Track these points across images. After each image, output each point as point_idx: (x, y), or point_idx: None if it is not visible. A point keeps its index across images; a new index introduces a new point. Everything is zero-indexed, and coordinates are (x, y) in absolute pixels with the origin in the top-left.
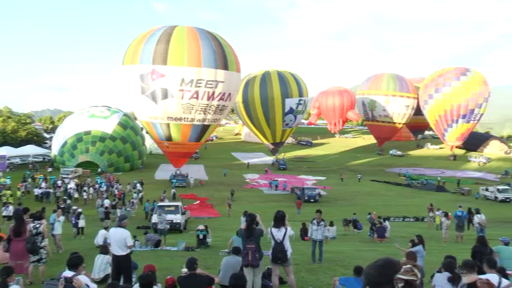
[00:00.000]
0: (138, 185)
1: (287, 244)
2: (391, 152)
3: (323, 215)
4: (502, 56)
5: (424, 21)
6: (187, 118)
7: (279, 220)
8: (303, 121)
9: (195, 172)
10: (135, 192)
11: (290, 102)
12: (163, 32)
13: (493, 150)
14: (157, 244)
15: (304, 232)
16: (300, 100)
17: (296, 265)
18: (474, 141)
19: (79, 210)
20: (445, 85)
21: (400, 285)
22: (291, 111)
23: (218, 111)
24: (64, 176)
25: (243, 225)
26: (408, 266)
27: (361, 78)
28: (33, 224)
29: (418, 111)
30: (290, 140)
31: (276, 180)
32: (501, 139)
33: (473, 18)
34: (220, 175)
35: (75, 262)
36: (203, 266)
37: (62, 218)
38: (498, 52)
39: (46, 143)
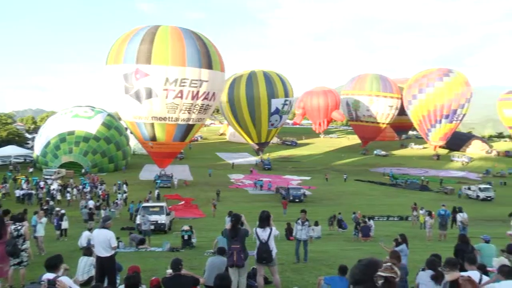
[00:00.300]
0: (124, 186)
1: (272, 244)
2: (375, 152)
3: (308, 215)
4: (483, 57)
5: (408, 22)
6: (172, 118)
7: (264, 220)
8: (288, 121)
9: (180, 172)
10: (119, 193)
11: (276, 103)
12: (146, 32)
13: (475, 150)
14: (141, 242)
15: (289, 232)
16: (286, 100)
17: (281, 265)
18: (457, 141)
19: (62, 211)
20: (428, 86)
21: (380, 281)
22: (277, 111)
23: (202, 110)
24: (46, 177)
25: (228, 225)
26: (388, 264)
27: (345, 79)
28: (14, 226)
29: (402, 111)
30: (275, 140)
31: (261, 180)
32: (482, 139)
33: (455, 20)
34: (205, 175)
35: (54, 263)
36: (188, 266)
37: (44, 219)
38: (480, 53)
39: (28, 143)
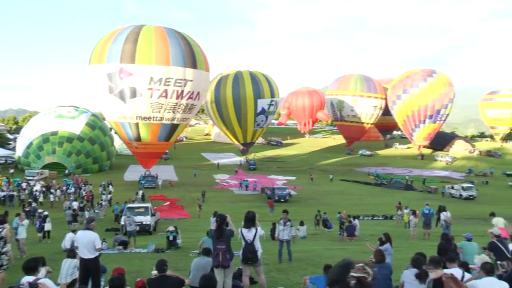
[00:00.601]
0: (110, 186)
1: (258, 245)
2: (360, 152)
3: (294, 215)
4: (465, 58)
5: (392, 24)
6: (156, 117)
7: (250, 221)
8: (273, 121)
9: (165, 172)
10: (103, 194)
11: (262, 103)
12: (130, 31)
13: (458, 149)
14: (122, 243)
15: (274, 232)
16: (272, 101)
17: (266, 265)
18: (441, 141)
19: (45, 213)
20: (412, 86)
21: (353, 282)
22: (263, 111)
23: (187, 110)
24: (29, 178)
25: (213, 225)
26: (360, 264)
27: (330, 79)
28: None
29: (386, 112)
30: (260, 140)
31: (246, 180)
32: (465, 138)
33: (438, 22)
34: (190, 175)
35: (33, 265)
36: (173, 267)
37: (26, 222)
38: (462, 55)
39: (9, 144)
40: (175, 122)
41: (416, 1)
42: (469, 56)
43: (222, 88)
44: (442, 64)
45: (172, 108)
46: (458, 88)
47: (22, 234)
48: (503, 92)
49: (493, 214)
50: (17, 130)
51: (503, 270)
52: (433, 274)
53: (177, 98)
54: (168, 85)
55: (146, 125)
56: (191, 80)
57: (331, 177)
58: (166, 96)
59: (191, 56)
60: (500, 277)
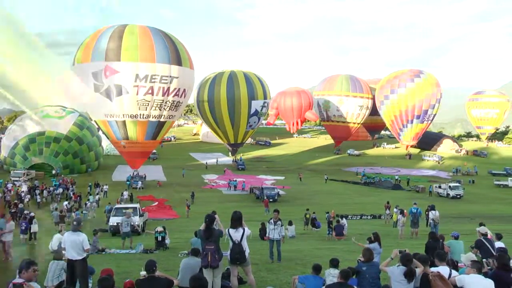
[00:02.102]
0: (105, 186)
1: (245, 245)
2: (348, 151)
3: (283, 215)
4: (450, 59)
5: (378, 25)
6: (143, 115)
7: (236, 221)
8: (262, 121)
9: (153, 173)
10: (91, 194)
11: (256, 104)
12: (114, 30)
13: (446, 149)
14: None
15: (263, 231)
16: (264, 102)
17: (255, 264)
18: (428, 141)
19: (32, 214)
20: (400, 86)
21: None
22: (256, 113)
23: (173, 107)
24: (14, 179)
25: (202, 226)
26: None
27: (318, 79)
28: None
29: (374, 112)
30: (249, 140)
31: (235, 180)
32: (452, 138)
33: (423, 23)
34: (179, 175)
35: (21, 266)
36: (162, 268)
37: (12, 223)
38: (446, 55)
39: None
40: (161, 119)
41: (400, 2)
42: (454, 57)
43: (217, 87)
44: (427, 64)
45: (158, 105)
46: (444, 88)
47: (8, 236)
48: (488, 93)
49: (482, 224)
50: (2, 130)
51: (489, 267)
52: (419, 270)
53: (163, 95)
54: (154, 82)
55: (133, 123)
56: (176, 77)
57: (326, 178)
58: (152, 93)
59: (176, 54)
60: (485, 275)
